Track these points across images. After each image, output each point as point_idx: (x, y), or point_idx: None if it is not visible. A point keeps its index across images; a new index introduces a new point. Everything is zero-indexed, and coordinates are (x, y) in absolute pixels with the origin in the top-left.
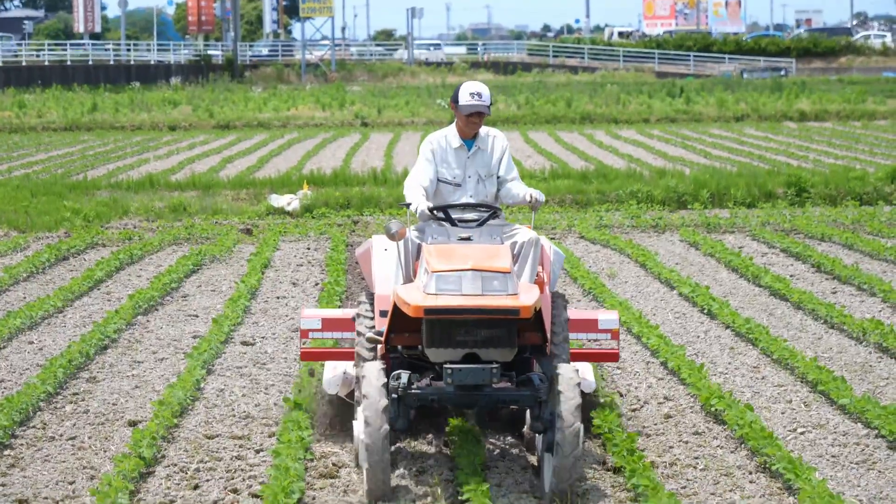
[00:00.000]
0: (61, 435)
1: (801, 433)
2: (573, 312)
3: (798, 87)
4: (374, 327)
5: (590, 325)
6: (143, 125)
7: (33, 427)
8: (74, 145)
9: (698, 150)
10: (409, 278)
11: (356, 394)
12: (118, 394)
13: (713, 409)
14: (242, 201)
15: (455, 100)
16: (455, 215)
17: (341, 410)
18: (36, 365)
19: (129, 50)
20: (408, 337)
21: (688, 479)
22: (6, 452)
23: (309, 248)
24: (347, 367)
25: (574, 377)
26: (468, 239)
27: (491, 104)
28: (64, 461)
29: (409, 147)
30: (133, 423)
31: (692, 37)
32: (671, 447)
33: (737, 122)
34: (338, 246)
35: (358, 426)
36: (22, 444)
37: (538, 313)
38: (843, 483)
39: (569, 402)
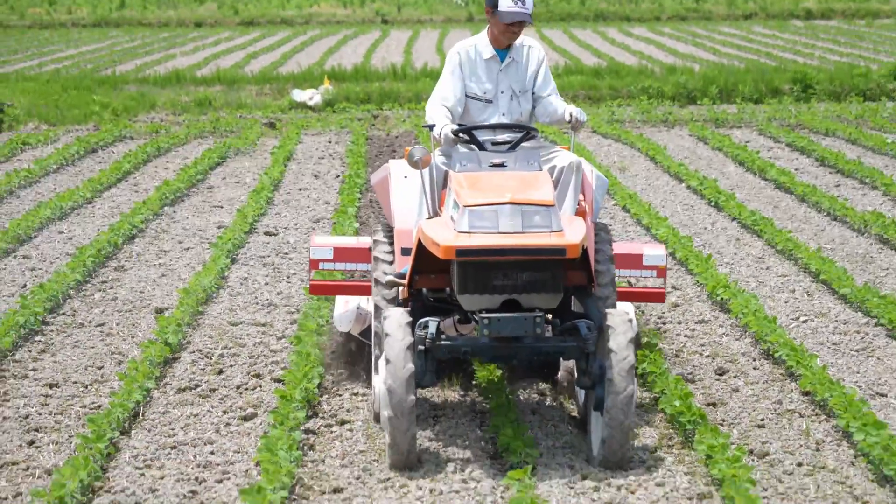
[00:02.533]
0: (90, 322)
1: (804, 321)
2: (614, 246)
3: None
4: (393, 266)
5: (633, 261)
6: (169, 22)
7: (63, 314)
8: (103, 41)
9: (708, 48)
10: (435, 211)
11: (373, 344)
12: (145, 282)
13: (719, 297)
14: (266, 96)
15: (493, 4)
16: (486, 137)
17: (354, 349)
18: (66, 254)
19: None
20: (434, 279)
21: (694, 366)
22: (37, 338)
23: (330, 142)
24: (361, 301)
25: (628, 330)
26: (502, 165)
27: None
28: (93, 347)
29: (428, 44)
30: (159, 311)
31: None
32: (678, 335)
33: (745, 21)
34: (358, 139)
35: (377, 377)
36: (52, 331)
37: (584, 250)
38: (843, 370)
39: (621, 364)
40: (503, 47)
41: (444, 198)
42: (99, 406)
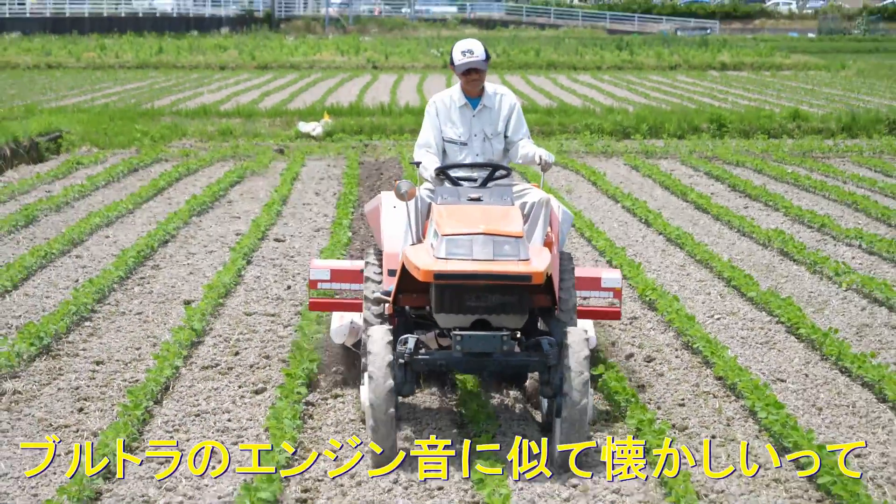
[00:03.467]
0: (130, 311)
1: (718, 319)
2: (577, 270)
3: (720, 43)
4: (381, 286)
5: (593, 284)
6: (198, 65)
7: (108, 304)
8: (144, 80)
9: (640, 93)
10: (419, 238)
11: (364, 355)
12: (176, 279)
13: (648, 298)
14: (277, 127)
15: (451, 61)
16: (465, 174)
17: (347, 359)
18: (111, 255)
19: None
20: (415, 298)
21: (626, 354)
22: (87, 324)
23: (329, 165)
24: (354, 317)
25: (584, 349)
26: (478, 199)
27: (488, 58)
28: (132, 331)
29: (411, 86)
30: (187, 302)
31: (637, 0)
32: (614, 328)
33: (671, 71)
34: (352, 164)
35: (363, 388)
36: (99, 318)
37: (549, 276)
38: (750, 359)
39: (577, 379)
40: (474, 96)
41: (427, 227)
42: (137, 380)
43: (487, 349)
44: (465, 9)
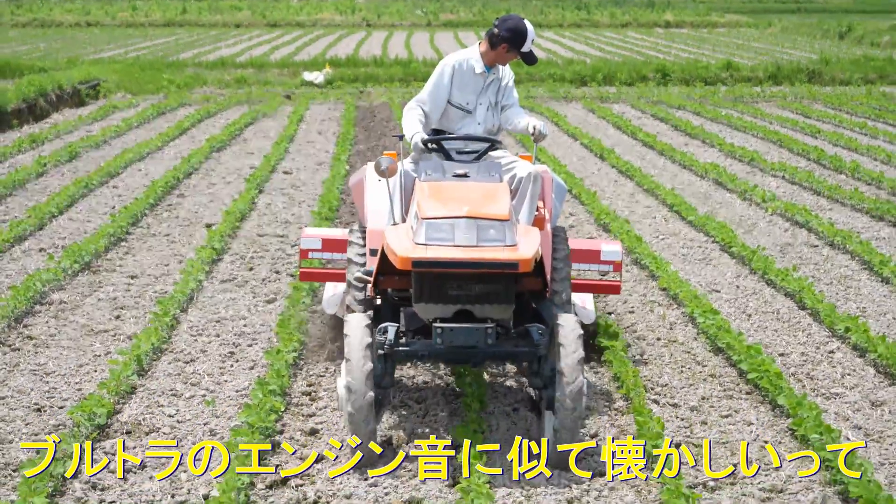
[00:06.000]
0: (160, 233)
1: (662, 239)
2: (575, 242)
3: (665, 4)
4: (365, 264)
5: (592, 256)
6: (217, 23)
7: (141, 227)
8: (170, 36)
9: (596, 47)
10: (402, 216)
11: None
12: (199, 205)
13: (602, 222)
14: (285, 76)
15: (509, 38)
16: (454, 146)
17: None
18: (143, 185)
19: None
20: (398, 280)
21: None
22: (123, 244)
23: (330, 109)
24: None
25: (577, 328)
26: (465, 175)
27: None
28: (161, 251)
29: (399, 41)
30: (209, 226)
31: None
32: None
33: (622, 28)
34: (349, 108)
35: (340, 379)
36: (133, 238)
37: (539, 259)
38: (690, 273)
39: (571, 357)
40: (492, 66)
41: (411, 203)
42: (166, 292)
43: (471, 343)
44: None
